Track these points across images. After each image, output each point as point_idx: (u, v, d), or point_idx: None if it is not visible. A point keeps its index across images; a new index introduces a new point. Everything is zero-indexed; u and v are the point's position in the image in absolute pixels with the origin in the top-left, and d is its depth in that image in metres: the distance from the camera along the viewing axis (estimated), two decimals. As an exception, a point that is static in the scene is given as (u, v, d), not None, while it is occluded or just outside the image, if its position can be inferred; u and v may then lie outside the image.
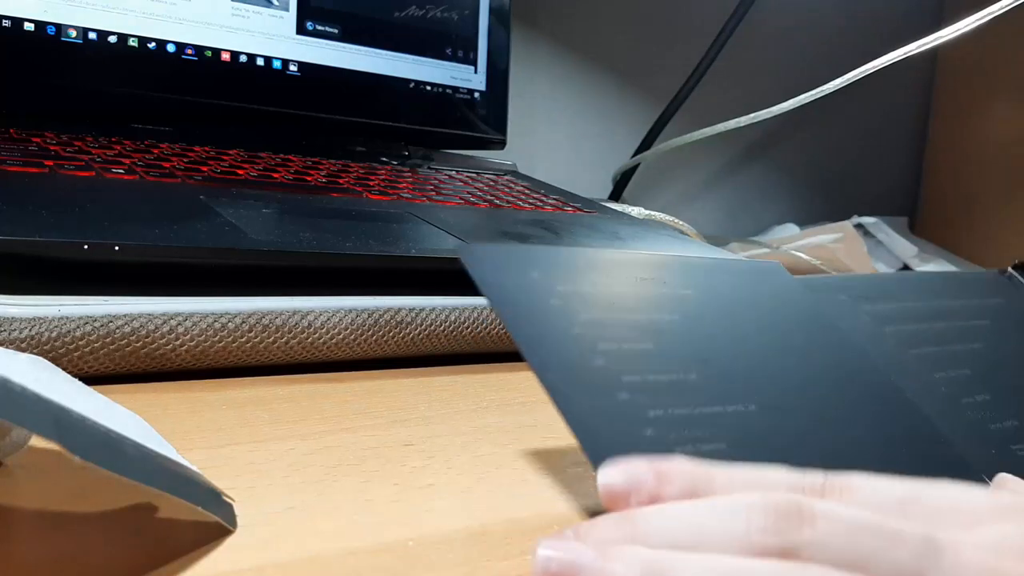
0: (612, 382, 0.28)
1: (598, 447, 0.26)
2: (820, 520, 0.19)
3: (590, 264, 0.32)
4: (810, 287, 0.38)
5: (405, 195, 0.55)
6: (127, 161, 0.48)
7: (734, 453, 0.27)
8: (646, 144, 0.88)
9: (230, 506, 0.24)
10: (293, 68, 0.63)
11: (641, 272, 0.33)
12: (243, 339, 0.36)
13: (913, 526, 0.20)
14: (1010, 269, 0.46)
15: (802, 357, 0.33)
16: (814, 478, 0.22)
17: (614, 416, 0.27)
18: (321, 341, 0.38)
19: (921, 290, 0.42)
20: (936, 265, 0.94)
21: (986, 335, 0.40)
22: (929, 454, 0.32)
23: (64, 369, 0.29)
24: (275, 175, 0.53)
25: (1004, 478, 0.28)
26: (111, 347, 0.33)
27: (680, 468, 0.22)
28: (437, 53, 0.70)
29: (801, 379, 0.32)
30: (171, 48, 0.58)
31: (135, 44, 0.57)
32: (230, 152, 0.57)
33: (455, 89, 0.72)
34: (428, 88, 0.70)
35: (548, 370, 0.27)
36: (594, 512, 0.27)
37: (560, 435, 0.30)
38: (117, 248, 0.34)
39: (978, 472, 0.32)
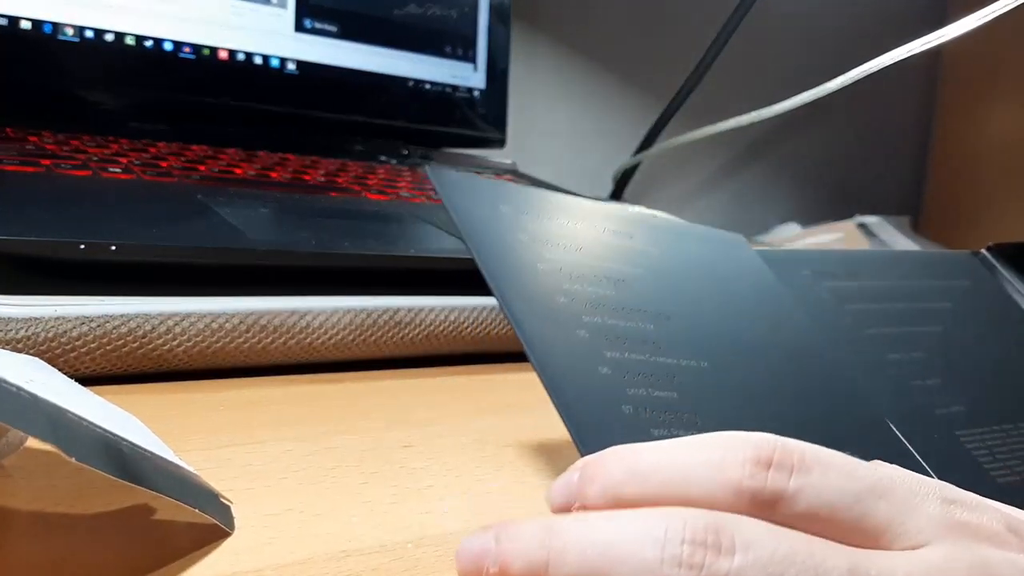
0: (573, 319, 0.28)
1: (556, 379, 0.26)
2: (739, 553, 0.18)
3: (560, 208, 0.32)
4: (773, 260, 0.38)
5: (404, 194, 0.55)
6: (124, 160, 0.48)
7: (683, 404, 0.27)
8: (647, 143, 0.88)
9: (228, 508, 0.24)
10: (291, 66, 0.63)
11: (610, 224, 0.33)
12: (241, 339, 0.36)
13: (840, 556, 0.19)
14: (983, 251, 0.45)
15: (755, 328, 0.33)
16: (768, 449, 0.20)
17: (573, 350, 0.27)
18: (320, 341, 0.38)
19: (885, 269, 0.41)
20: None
21: (947, 318, 0.40)
22: (870, 437, 0.32)
23: (60, 370, 0.28)
24: (273, 174, 0.53)
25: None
26: (107, 347, 0.33)
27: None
28: (436, 51, 0.70)
29: (752, 349, 0.32)
30: (168, 46, 0.58)
31: (132, 43, 0.57)
32: (227, 151, 0.57)
33: (454, 87, 0.71)
34: (427, 86, 0.70)
35: (512, 300, 0.27)
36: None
37: (560, 436, 0.30)
38: (114, 248, 0.34)
39: (918, 457, 0.32)
